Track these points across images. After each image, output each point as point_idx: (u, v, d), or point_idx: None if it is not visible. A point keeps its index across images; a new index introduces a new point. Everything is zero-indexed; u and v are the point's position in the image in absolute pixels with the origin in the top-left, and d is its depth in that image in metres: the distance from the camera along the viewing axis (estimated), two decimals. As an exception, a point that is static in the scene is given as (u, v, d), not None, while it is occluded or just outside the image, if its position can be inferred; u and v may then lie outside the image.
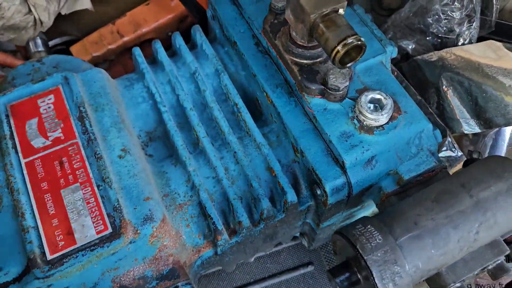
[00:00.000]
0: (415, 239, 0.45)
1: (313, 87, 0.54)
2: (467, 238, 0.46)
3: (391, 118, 0.53)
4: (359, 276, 0.46)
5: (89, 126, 0.53)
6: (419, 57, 0.76)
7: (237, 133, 0.59)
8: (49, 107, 0.55)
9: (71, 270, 0.46)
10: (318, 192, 0.53)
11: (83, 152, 0.53)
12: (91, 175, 0.51)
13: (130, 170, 0.53)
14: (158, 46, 0.64)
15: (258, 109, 0.63)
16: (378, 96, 0.53)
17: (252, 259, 0.66)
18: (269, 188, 0.56)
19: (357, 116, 0.53)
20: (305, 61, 0.55)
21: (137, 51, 0.64)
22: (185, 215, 0.54)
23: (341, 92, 0.53)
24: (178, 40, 0.65)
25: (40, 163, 0.52)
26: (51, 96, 0.56)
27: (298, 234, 0.68)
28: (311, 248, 0.67)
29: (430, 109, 0.73)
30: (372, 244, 0.44)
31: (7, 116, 0.54)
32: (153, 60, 0.66)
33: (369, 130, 0.53)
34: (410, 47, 0.78)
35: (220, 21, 0.65)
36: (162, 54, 0.64)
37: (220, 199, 0.55)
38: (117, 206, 0.49)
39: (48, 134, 0.53)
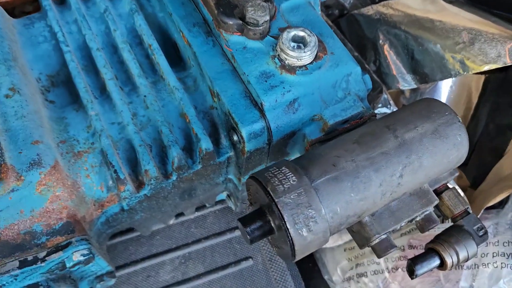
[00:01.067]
0: (333, 181, 0.41)
1: (231, 22, 0.49)
2: (390, 182, 0.42)
3: (316, 58, 0.48)
4: (272, 225, 0.41)
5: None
6: (356, 11, 0.72)
7: (150, 77, 0.53)
8: None
9: None
10: (235, 138, 0.48)
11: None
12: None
13: (18, 111, 0.46)
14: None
15: (177, 54, 0.57)
16: (301, 34, 0.48)
17: (172, 221, 0.60)
18: (183, 136, 0.50)
19: (278, 54, 0.48)
20: (223, -6, 0.49)
21: (40, -14, 0.56)
22: (85, 164, 0.48)
23: (261, 28, 0.48)
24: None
25: None
26: None
27: (224, 197, 0.63)
28: (237, 210, 0.62)
29: (366, 66, 0.69)
30: (285, 186, 0.40)
31: None
32: (61, 1, 0.59)
33: (291, 70, 0.48)
34: (347, 1, 0.74)
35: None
36: (70, -9, 0.57)
37: (127, 147, 0.49)
38: (-3, 149, 0.42)
39: None
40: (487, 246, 0.55)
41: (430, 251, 0.46)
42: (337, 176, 0.41)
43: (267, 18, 0.48)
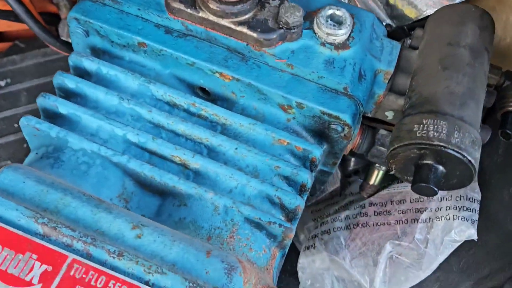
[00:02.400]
0: (464, 106, 0.46)
1: (274, 36, 0.48)
2: (484, 81, 0.49)
3: (352, 25, 0.51)
4: (442, 169, 0.45)
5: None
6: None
7: (213, 132, 0.50)
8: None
9: None
10: (339, 129, 0.49)
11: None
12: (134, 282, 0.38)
13: (166, 242, 0.40)
14: (58, 102, 0.48)
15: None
16: (330, 12, 0.50)
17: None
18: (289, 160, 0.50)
19: (325, 39, 0.50)
20: (248, 15, 0.48)
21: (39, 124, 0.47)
22: (241, 242, 0.45)
23: (300, 26, 0.49)
24: (70, 80, 0.50)
25: None
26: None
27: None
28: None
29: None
30: (443, 132, 0.44)
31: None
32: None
33: (344, 46, 0.50)
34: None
35: (102, 32, 0.51)
36: (67, 104, 0.48)
37: (258, 201, 0.47)
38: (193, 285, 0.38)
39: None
40: (441, 201, 0.61)
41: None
42: (463, 102, 0.46)
43: (303, 14, 0.48)
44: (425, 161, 0.45)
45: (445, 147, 0.43)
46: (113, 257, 0.38)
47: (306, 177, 0.48)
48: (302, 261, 0.68)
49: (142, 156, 0.48)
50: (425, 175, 0.45)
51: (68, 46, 0.69)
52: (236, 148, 0.48)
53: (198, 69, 0.50)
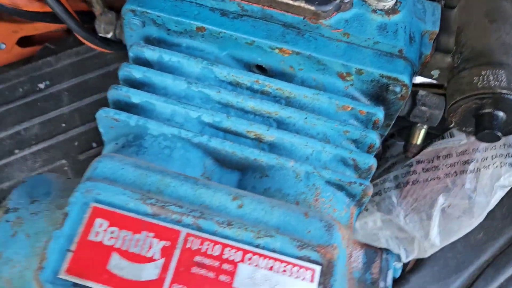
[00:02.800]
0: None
1: (330, 7, 0.50)
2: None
3: (397, -11, 0.53)
4: (501, 113, 0.49)
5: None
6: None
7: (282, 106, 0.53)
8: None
9: None
10: (397, 90, 0.52)
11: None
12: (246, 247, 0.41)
13: (266, 209, 0.43)
14: (131, 92, 0.50)
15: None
16: (376, -22, 0.52)
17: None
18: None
19: (375, 6, 0.52)
20: (305, -10, 0.50)
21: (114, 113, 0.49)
22: (325, 204, 0.48)
23: (353, -5, 0.51)
24: (137, 70, 0.52)
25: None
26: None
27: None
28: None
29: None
30: (502, 80, 0.47)
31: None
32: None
33: (393, 11, 0.53)
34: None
35: (158, 21, 0.53)
36: (140, 93, 0.50)
37: (333, 164, 0.50)
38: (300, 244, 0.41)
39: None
40: (486, 151, 0.65)
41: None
42: (514, 48, 0.49)
43: (356, -17, 0.51)
44: (486, 110, 0.48)
45: (507, 94, 0.46)
46: (223, 227, 0.41)
47: (374, 138, 0.51)
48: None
49: (217, 135, 0.51)
50: (488, 123, 0.48)
51: (106, 42, 0.71)
52: (306, 118, 0.51)
53: (257, 47, 0.53)
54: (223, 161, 0.50)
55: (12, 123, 0.73)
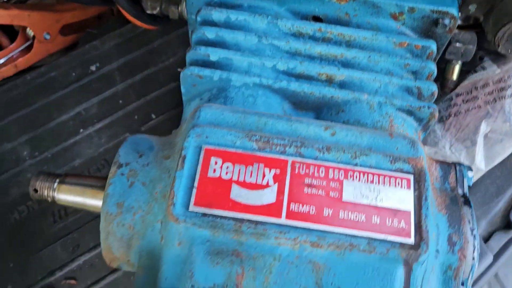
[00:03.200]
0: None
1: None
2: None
3: None
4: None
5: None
6: None
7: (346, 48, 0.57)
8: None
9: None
10: (446, 22, 0.57)
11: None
12: (346, 166, 0.46)
13: (352, 135, 0.48)
14: (209, 51, 0.55)
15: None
16: None
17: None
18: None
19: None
20: None
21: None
22: (398, 128, 0.53)
23: None
24: (210, 31, 0.56)
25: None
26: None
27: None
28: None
29: None
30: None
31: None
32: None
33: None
34: None
35: (221, -16, 0.58)
36: (217, 51, 0.55)
37: (400, 94, 0.56)
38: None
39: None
40: None
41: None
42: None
43: None
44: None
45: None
46: (323, 152, 0.46)
47: (432, 68, 0.56)
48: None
49: (291, 81, 0.56)
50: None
51: (153, 18, 0.75)
52: (369, 57, 0.56)
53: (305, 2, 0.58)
54: (299, 104, 0.55)
55: (72, 105, 0.77)
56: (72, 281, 0.67)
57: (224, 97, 0.54)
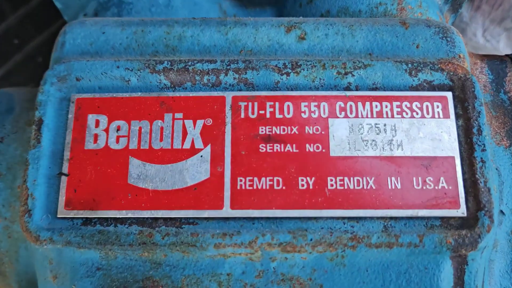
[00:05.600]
0: None
1: None
2: None
3: None
4: None
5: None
6: None
7: None
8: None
9: None
10: None
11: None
12: (329, 93, 0.25)
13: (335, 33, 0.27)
14: None
15: None
16: None
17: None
18: None
19: None
20: None
21: None
22: (414, 11, 0.32)
23: None
24: None
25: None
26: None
27: None
28: None
29: None
30: None
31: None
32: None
33: None
34: None
35: None
36: None
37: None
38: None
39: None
40: None
41: None
42: None
43: None
44: None
45: None
46: (286, 74, 0.26)
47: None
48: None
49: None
50: None
51: None
52: None
53: None
54: (245, -3, 0.34)
55: None
56: None
57: (117, 5, 0.32)
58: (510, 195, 0.27)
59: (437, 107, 0.25)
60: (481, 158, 0.24)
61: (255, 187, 0.24)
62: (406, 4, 0.32)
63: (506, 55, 0.32)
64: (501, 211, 0.27)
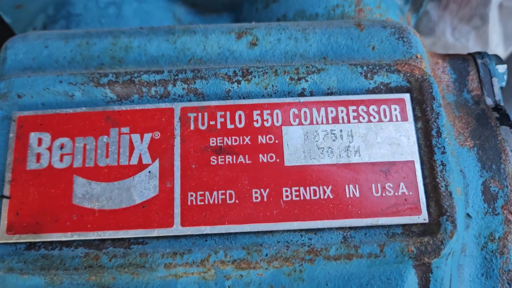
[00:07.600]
0: None
1: None
2: None
3: None
4: None
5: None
6: None
7: None
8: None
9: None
10: None
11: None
12: (279, 100, 0.24)
13: (288, 38, 0.26)
14: None
15: None
16: None
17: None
18: None
19: None
20: None
21: None
22: (372, 13, 0.31)
23: None
24: None
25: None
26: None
27: None
28: None
29: None
30: None
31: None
32: None
33: None
34: None
35: None
36: None
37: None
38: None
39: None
40: None
41: None
42: None
43: None
44: None
45: None
46: (237, 82, 0.25)
47: None
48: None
49: (181, -34, 0.32)
50: None
51: None
52: None
53: None
54: (202, 3, 0.33)
55: None
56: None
57: (65, 17, 0.31)
58: (476, 197, 0.26)
59: (395, 110, 0.24)
60: (441, 161, 0.23)
61: (206, 202, 0.23)
62: (364, 6, 0.31)
63: (469, 54, 0.32)
64: (468, 214, 0.26)
